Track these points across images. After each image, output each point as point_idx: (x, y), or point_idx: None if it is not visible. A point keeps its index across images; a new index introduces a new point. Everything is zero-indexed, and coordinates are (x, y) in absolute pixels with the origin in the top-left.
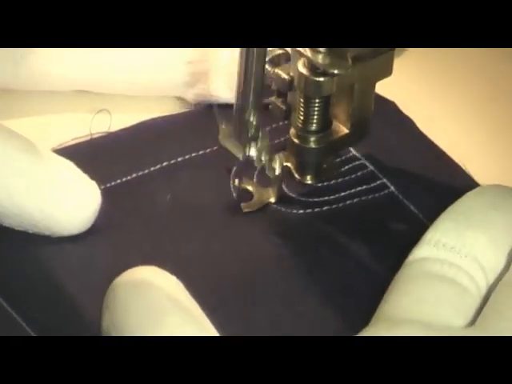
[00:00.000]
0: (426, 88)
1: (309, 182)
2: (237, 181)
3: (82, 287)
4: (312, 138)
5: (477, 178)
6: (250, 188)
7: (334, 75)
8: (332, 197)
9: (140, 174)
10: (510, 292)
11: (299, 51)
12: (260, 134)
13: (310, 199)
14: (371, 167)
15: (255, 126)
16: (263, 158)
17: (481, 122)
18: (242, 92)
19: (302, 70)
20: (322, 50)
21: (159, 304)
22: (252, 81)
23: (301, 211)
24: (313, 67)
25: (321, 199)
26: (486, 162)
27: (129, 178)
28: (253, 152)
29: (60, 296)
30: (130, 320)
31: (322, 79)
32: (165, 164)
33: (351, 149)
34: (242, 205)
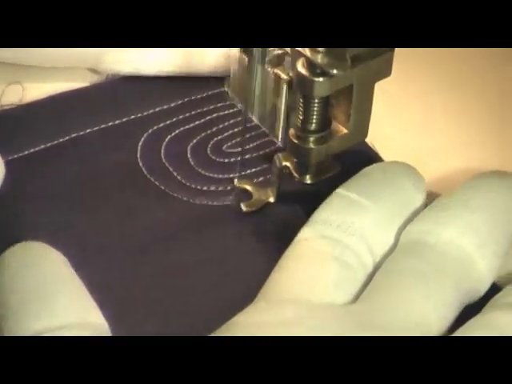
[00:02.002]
0: (425, 88)
1: (308, 181)
2: (236, 180)
3: None
4: (311, 139)
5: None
6: (248, 188)
7: (333, 75)
8: (238, 174)
9: (48, 145)
10: (393, 269)
11: (298, 51)
12: None
13: (216, 175)
14: (279, 144)
15: None
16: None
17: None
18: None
19: (302, 70)
20: (321, 49)
21: (43, 282)
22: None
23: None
24: (312, 67)
25: (226, 176)
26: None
27: (37, 149)
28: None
29: None
30: (12, 296)
31: (320, 79)
32: (73, 135)
33: (261, 125)
34: (242, 204)
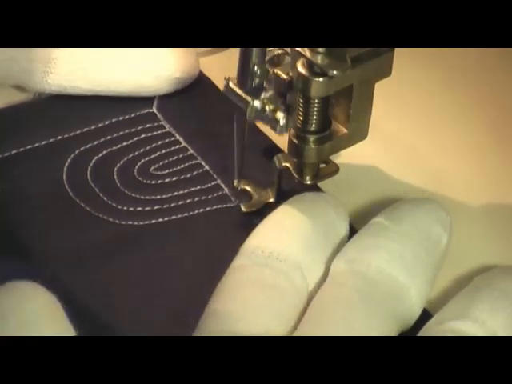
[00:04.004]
0: (425, 89)
1: (308, 182)
2: (236, 181)
3: None
4: (311, 139)
5: None
6: (248, 188)
7: (332, 76)
8: (165, 196)
9: None
10: (326, 300)
11: (298, 52)
12: (264, 84)
13: (142, 196)
14: (207, 167)
15: (260, 76)
16: (267, 108)
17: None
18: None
19: (302, 70)
20: (321, 50)
21: (27, 323)
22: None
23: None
24: (312, 67)
25: (152, 197)
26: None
27: None
28: (257, 103)
29: None
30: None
31: (321, 80)
32: None
33: (188, 147)
34: (242, 205)
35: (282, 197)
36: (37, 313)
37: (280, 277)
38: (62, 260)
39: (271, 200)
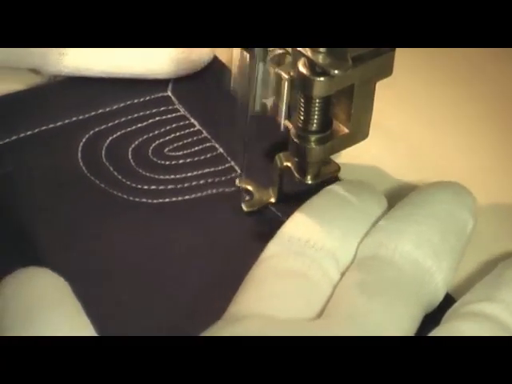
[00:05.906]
0: (426, 88)
1: (309, 182)
2: (237, 180)
3: None
4: (312, 138)
5: None
6: (250, 188)
7: (334, 75)
8: (178, 176)
9: None
10: (352, 284)
11: (299, 51)
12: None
13: (156, 176)
14: (220, 150)
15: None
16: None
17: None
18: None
19: (303, 69)
20: (322, 50)
21: (35, 306)
22: None
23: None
24: (313, 67)
25: (167, 177)
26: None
27: None
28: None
29: None
30: (4, 319)
31: (322, 79)
32: (13, 138)
33: (203, 130)
34: (243, 204)
35: (283, 196)
36: (40, 297)
37: (314, 266)
38: (75, 235)
39: (272, 200)
